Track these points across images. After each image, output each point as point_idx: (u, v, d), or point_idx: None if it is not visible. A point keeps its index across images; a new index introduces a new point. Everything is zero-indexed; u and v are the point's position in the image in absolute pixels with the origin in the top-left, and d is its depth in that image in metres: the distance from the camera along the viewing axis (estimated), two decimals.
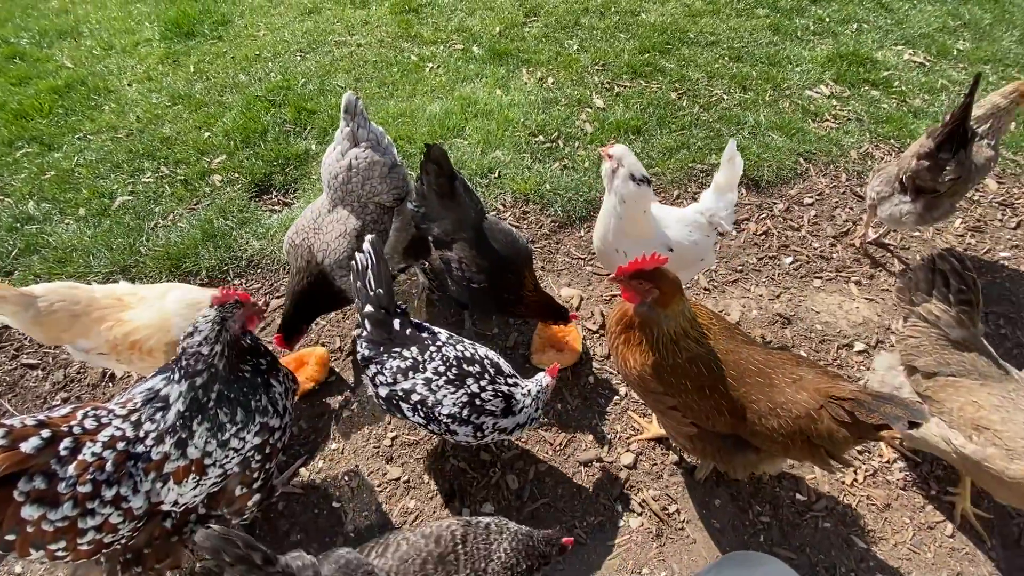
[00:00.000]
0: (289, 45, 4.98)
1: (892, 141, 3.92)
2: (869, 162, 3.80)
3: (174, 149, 3.95)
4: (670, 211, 2.61)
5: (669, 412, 2.07)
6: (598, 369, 2.83)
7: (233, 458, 1.88)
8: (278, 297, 3.14)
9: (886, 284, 3.16)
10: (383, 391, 2.12)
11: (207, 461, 1.82)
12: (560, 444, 2.56)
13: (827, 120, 4.09)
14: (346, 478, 2.47)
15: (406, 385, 2.07)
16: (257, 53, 4.86)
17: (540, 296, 2.60)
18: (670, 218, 2.55)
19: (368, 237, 2.15)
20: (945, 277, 2.23)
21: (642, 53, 4.65)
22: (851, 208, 3.55)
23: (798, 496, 2.40)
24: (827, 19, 5.08)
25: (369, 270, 2.11)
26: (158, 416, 1.78)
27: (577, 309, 3.07)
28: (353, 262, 2.15)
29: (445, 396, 2.04)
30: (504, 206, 3.56)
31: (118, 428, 1.74)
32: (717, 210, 2.50)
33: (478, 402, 2.05)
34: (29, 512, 1.55)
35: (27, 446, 1.57)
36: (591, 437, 2.58)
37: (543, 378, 2.19)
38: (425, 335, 2.17)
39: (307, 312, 2.62)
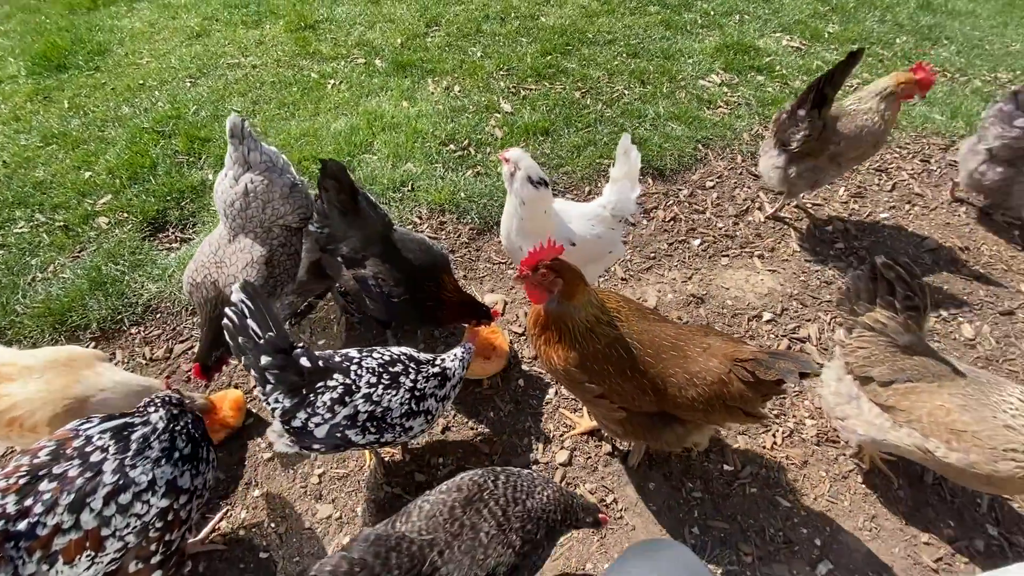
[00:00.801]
0: (177, 71, 4.69)
1: None
2: (760, 142, 4.05)
3: (50, 193, 3.60)
4: (573, 207, 2.66)
5: (597, 401, 2.11)
6: (527, 371, 2.84)
7: (134, 526, 1.71)
8: (182, 342, 2.92)
9: (785, 255, 3.38)
10: (321, 431, 2.00)
11: (105, 531, 1.65)
12: (496, 452, 2.54)
13: (720, 107, 4.33)
14: (273, 524, 2.33)
15: (347, 411, 1.99)
16: (141, 82, 4.54)
17: (461, 296, 2.57)
18: (573, 213, 2.60)
19: (235, 285, 1.96)
20: (889, 285, 2.23)
21: (544, 55, 4.74)
22: (749, 187, 3.78)
23: (725, 467, 2.51)
24: (712, 12, 5.39)
25: (249, 319, 1.93)
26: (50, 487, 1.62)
27: (502, 314, 3.06)
28: (224, 321, 1.94)
29: (391, 400, 2.05)
30: (420, 218, 3.51)
31: None
32: (617, 202, 2.56)
33: (417, 392, 2.11)
34: None
35: None
36: (526, 440, 2.58)
37: (459, 349, 2.32)
38: (337, 359, 2.08)
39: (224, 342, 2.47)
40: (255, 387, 2.66)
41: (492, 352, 2.79)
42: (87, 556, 1.64)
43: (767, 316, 3.05)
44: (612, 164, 2.62)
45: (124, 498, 1.69)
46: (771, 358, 1.82)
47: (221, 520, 2.31)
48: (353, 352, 2.13)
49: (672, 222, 3.54)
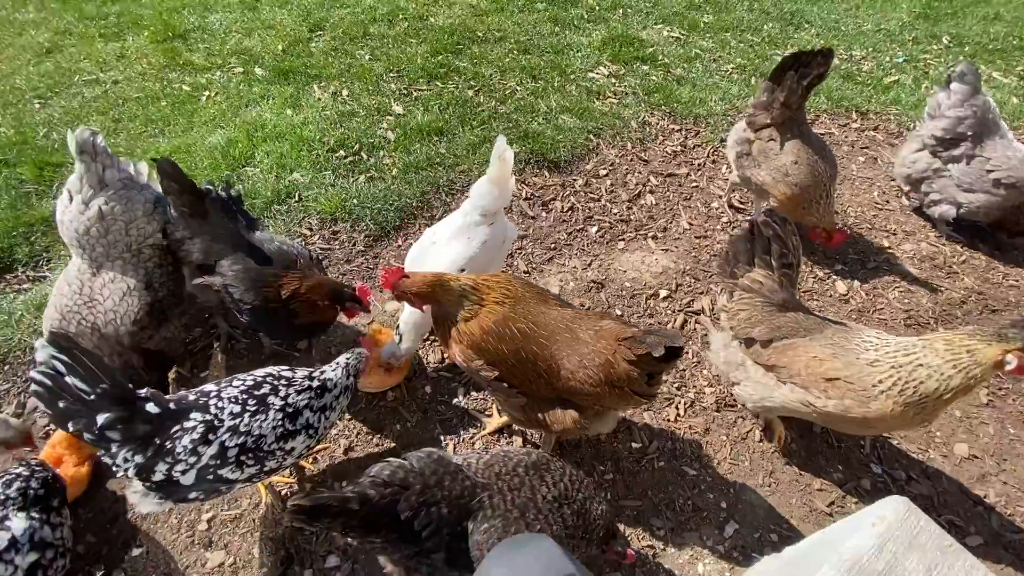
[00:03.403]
0: (23, 92, 4.18)
1: (663, 108, 4.39)
2: (647, 128, 4.21)
3: None
4: (443, 231, 2.55)
5: (497, 385, 2.08)
6: (434, 376, 2.75)
7: None
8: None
9: (676, 234, 3.52)
10: (188, 478, 1.80)
11: None
12: None
13: (609, 97, 4.46)
14: None
15: (213, 450, 1.81)
16: None
17: (312, 292, 2.28)
18: (445, 236, 2.51)
19: (38, 341, 1.69)
20: (767, 242, 2.32)
21: (435, 55, 4.67)
22: (639, 172, 3.90)
23: (633, 445, 2.55)
24: (597, 7, 5.56)
25: (69, 377, 1.67)
26: None
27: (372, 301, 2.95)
28: (33, 387, 1.69)
29: (261, 426, 1.88)
30: (311, 230, 3.32)
31: None
32: (484, 206, 2.45)
33: (290, 409, 1.95)
34: None
35: None
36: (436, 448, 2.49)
37: (356, 350, 2.20)
38: (192, 396, 1.89)
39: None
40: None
41: (387, 368, 2.65)
42: None
43: (663, 293, 3.15)
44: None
45: None
46: (644, 334, 1.85)
47: None
48: (210, 386, 1.95)
49: (570, 212, 3.58)
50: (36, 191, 3.40)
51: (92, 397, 1.68)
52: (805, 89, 2.97)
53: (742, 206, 3.72)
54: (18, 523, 1.63)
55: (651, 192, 3.76)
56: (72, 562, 1.88)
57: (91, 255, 2.25)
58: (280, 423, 1.93)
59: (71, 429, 1.71)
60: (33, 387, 1.66)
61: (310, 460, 2.41)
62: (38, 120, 3.91)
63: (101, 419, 1.69)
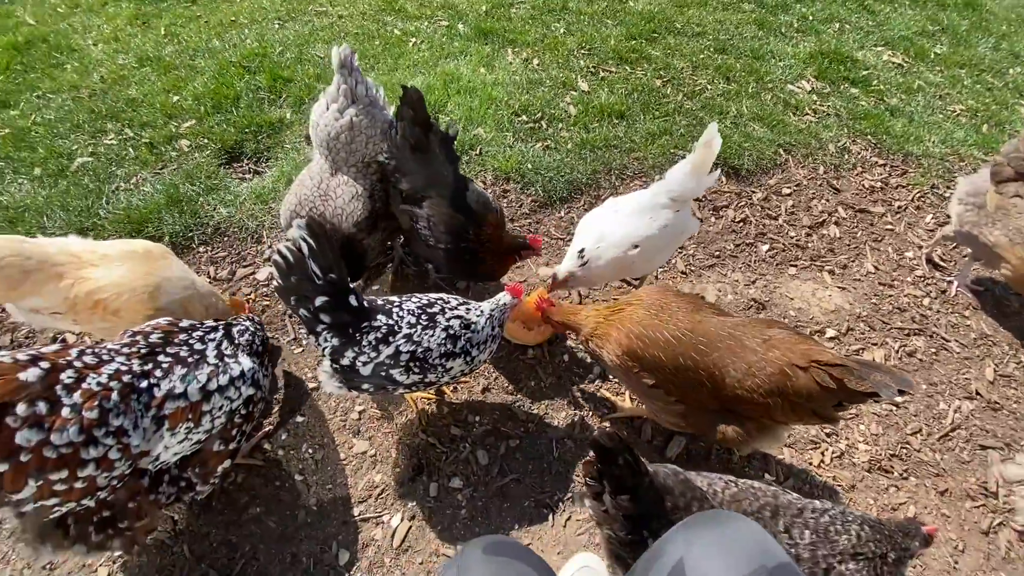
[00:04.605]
0: (267, 12, 4.80)
1: (869, 137, 3.98)
2: (846, 156, 3.85)
3: (140, 112, 3.76)
4: (627, 203, 2.51)
5: (652, 392, 2.08)
6: (573, 348, 2.80)
7: (225, 408, 1.85)
8: (245, 266, 3.02)
9: (858, 275, 3.21)
10: (367, 369, 2.02)
11: (204, 407, 1.78)
12: (532, 421, 2.52)
13: (807, 114, 4.13)
14: (310, 451, 2.39)
15: (390, 350, 2.01)
16: (233, 19, 4.68)
17: (501, 244, 2.45)
18: (628, 209, 2.47)
19: (296, 221, 1.87)
20: None
21: (628, 40, 4.62)
22: (827, 200, 3.59)
23: (767, 475, 2.41)
24: (811, 17, 5.13)
25: (310, 259, 1.86)
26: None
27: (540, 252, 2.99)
28: (276, 257, 1.87)
29: (430, 340, 2.05)
30: (484, 184, 3.49)
31: (123, 363, 1.69)
32: (681, 191, 2.39)
33: (452, 332, 2.09)
34: (26, 437, 1.44)
35: (26, 375, 1.48)
36: (563, 415, 2.55)
37: (502, 296, 2.27)
38: (380, 301, 2.10)
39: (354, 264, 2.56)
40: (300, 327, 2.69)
41: (533, 322, 2.74)
42: (186, 427, 1.76)
43: (830, 333, 2.90)
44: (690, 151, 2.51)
45: (223, 380, 1.84)
46: (864, 368, 1.71)
47: (264, 437, 2.39)
48: (394, 297, 2.15)
49: (741, 223, 3.41)
50: (268, 98, 3.92)
51: (320, 282, 1.90)
52: None
53: (943, 264, 3.29)
54: (246, 362, 1.93)
55: (836, 224, 3.45)
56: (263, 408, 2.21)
57: (333, 158, 2.49)
58: (443, 342, 2.08)
59: (292, 302, 1.98)
60: (275, 256, 1.88)
61: (451, 388, 2.59)
62: (276, 38, 4.47)
63: (319, 300, 1.92)
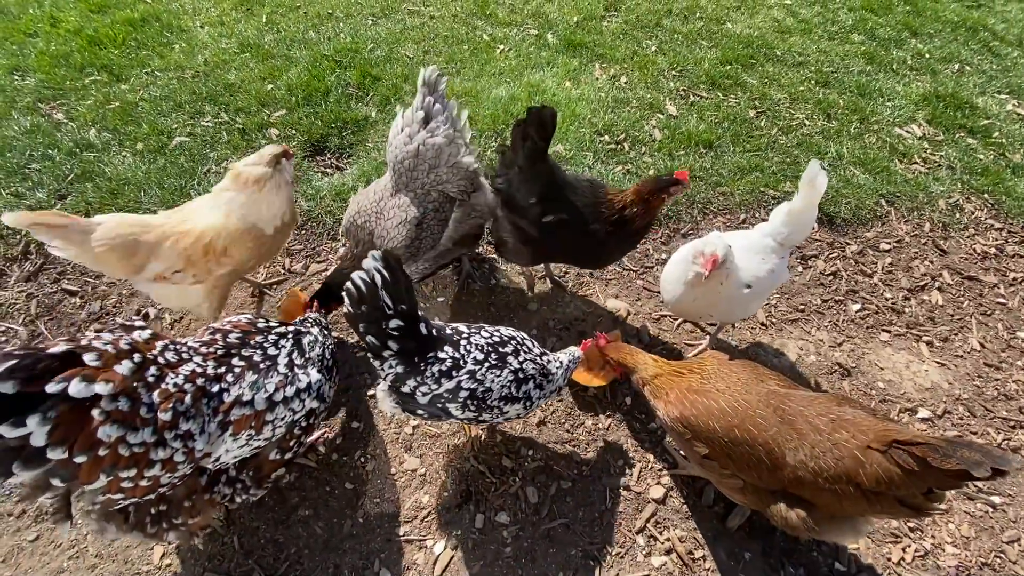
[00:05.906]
0: (362, 8, 4.89)
1: (985, 196, 3.62)
2: (957, 214, 3.51)
3: (236, 97, 3.91)
4: (736, 240, 2.38)
5: (707, 463, 2.00)
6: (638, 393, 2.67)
7: (287, 419, 1.87)
8: (318, 262, 3.07)
9: (961, 351, 2.91)
10: (424, 399, 1.98)
11: (268, 416, 1.81)
12: (587, 464, 2.42)
13: (916, 163, 3.79)
14: (362, 460, 2.39)
15: (450, 385, 1.95)
16: (330, 12, 4.79)
17: (639, 189, 2.41)
18: (738, 249, 2.33)
19: (372, 253, 1.84)
20: None
21: (723, 64, 4.41)
22: (931, 261, 3.28)
23: (837, 565, 2.21)
24: (927, 55, 4.73)
25: (382, 290, 1.81)
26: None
27: (624, 322, 2.91)
28: (348, 286, 1.83)
29: (493, 381, 2.00)
30: None
31: (199, 365, 1.73)
32: (789, 234, 2.32)
33: (521, 375, 2.05)
34: (107, 432, 1.48)
35: (121, 369, 1.53)
36: (621, 462, 2.44)
37: (575, 350, 2.28)
38: (448, 331, 2.05)
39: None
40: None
41: (595, 362, 2.60)
42: (248, 434, 1.78)
43: (923, 414, 2.64)
44: (788, 198, 2.34)
45: (289, 391, 1.85)
46: (951, 445, 1.53)
47: (320, 440, 2.41)
48: (462, 327, 2.09)
49: (832, 277, 3.16)
50: (356, 95, 3.98)
51: (390, 312, 1.85)
52: None
53: None
54: (315, 375, 1.94)
55: (939, 289, 3.15)
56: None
57: (397, 180, 2.50)
58: (508, 385, 2.01)
59: (360, 330, 1.91)
60: (350, 285, 1.85)
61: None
62: (368, 35, 4.55)
63: (393, 324, 1.86)
